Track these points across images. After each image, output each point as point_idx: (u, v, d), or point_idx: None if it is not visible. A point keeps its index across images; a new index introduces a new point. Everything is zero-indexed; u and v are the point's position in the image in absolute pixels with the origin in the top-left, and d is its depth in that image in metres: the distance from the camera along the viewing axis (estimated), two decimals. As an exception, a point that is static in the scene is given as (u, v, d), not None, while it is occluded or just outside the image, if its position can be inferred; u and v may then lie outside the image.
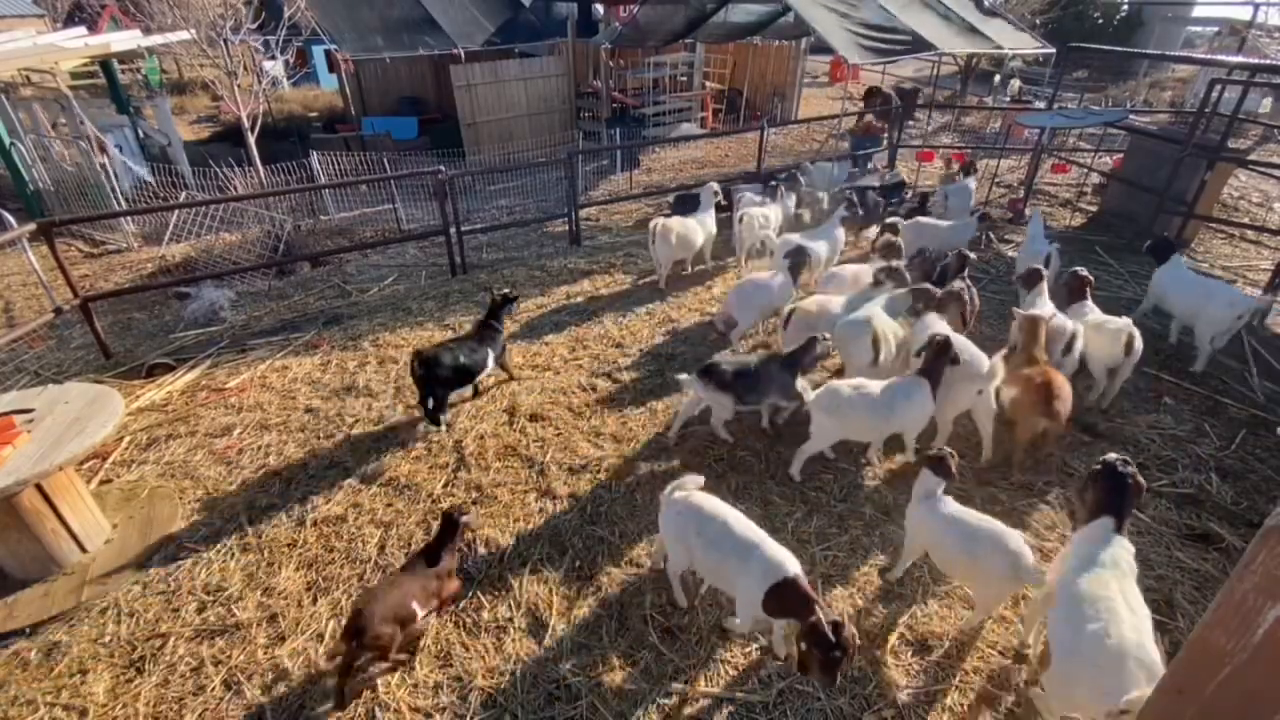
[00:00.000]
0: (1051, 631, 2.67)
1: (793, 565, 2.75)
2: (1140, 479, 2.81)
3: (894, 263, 5.29)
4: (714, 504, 3.06)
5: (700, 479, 3.17)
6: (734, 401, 4.19)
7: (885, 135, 11.42)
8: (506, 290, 5.00)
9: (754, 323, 5.62)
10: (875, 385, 3.95)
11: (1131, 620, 2.44)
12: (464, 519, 3.18)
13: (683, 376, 4.24)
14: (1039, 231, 6.35)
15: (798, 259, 5.58)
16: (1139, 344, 4.48)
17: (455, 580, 3.22)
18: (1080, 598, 2.54)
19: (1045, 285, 5.05)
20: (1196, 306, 5.15)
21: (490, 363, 4.75)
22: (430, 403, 4.48)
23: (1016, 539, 2.92)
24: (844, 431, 4.00)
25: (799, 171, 9.26)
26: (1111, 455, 2.91)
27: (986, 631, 3.17)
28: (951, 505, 3.14)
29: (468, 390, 4.89)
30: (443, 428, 4.60)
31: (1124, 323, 4.51)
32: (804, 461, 4.12)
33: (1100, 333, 4.62)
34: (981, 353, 4.14)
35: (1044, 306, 4.86)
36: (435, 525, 3.25)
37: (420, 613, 2.96)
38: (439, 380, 4.41)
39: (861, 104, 14.60)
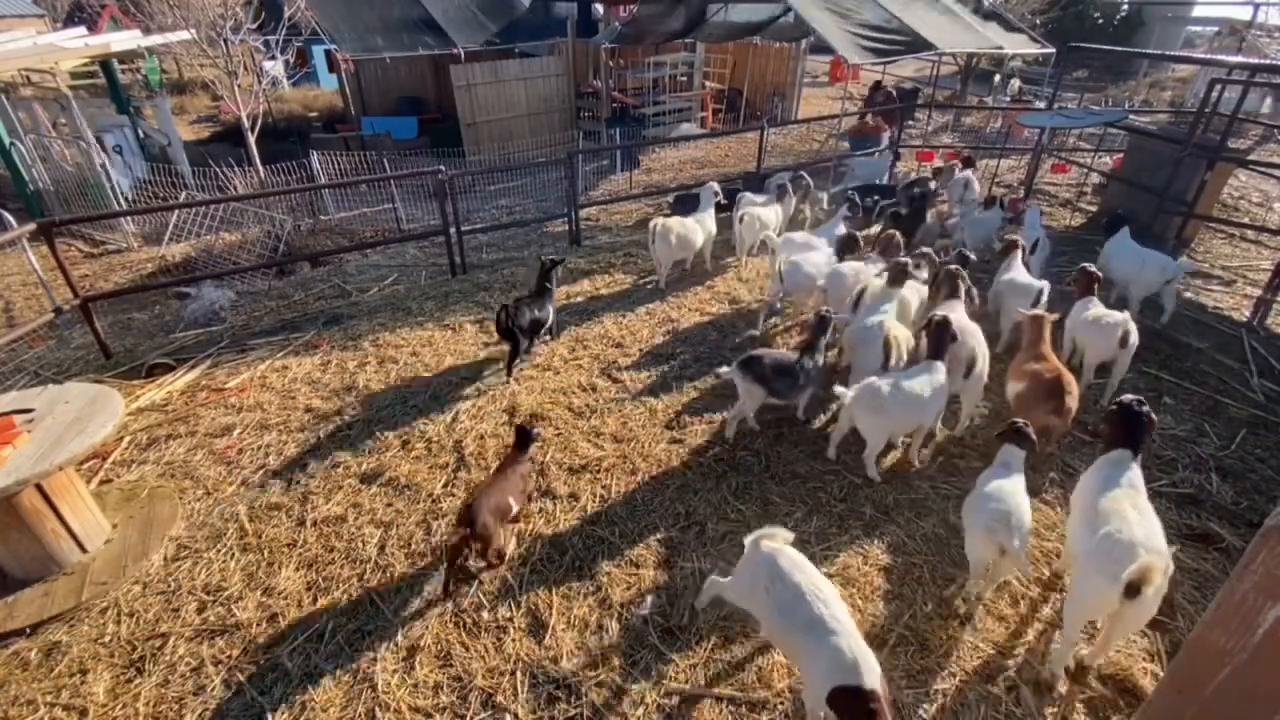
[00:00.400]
0: (1071, 540, 3.07)
1: (870, 674, 2.31)
2: (1153, 416, 3.18)
3: (924, 249, 5.77)
4: (798, 567, 2.68)
5: (790, 535, 2.87)
6: (766, 394, 4.26)
7: (885, 135, 11.37)
8: (553, 255, 5.74)
9: (802, 298, 5.89)
10: (906, 376, 3.99)
11: (1141, 521, 2.81)
12: (535, 431, 3.82)
13: (722, 370, 4.39)
14: (1035, 223, 6.60)
15: (848, 243, 5.83)
16: (1134, 338, 4.54)
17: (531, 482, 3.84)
18: (1097, 511, 2.92)
19: (1019, 255, 5.58)
20: (1134, 271, 5.79)
21: (550, 315, 5.58)
22: (516, 351, 5.25)
23: (1016, 510, 3.01)
24: (891, 428, 4.04)
25: (845, 169, 9.40)
26: (1128, 396, 3.24)
27: (988, 632, 3.17)
28: (1001, 478, 3.20)
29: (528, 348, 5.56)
30: (523, 362, 5.42)
31: (1122, 317, 4.58)
32: (873, 463, 4.15)
33: (1098, 326, 4.69)
34: (977, 328, 4.42)
35: (1017, 272, 5.45)
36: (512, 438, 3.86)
37: (515, 507, 3.53)
38: (522, 329, 5.19)
39: (863, 102, 14.54)
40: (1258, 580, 1.44)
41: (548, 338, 5.76)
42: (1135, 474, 3.07)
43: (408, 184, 10.49)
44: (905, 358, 4.59)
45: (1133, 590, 2.50)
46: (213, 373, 5.47)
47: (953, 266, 4.97)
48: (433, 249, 8.32)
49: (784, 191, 7.51)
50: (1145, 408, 3.17)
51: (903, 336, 4.58)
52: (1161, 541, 2.74)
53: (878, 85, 14.62)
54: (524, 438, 3.78)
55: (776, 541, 2.82)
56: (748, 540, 2.88)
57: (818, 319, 4.51)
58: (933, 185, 8.24)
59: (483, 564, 3.47)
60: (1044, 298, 5.10)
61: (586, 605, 3.32)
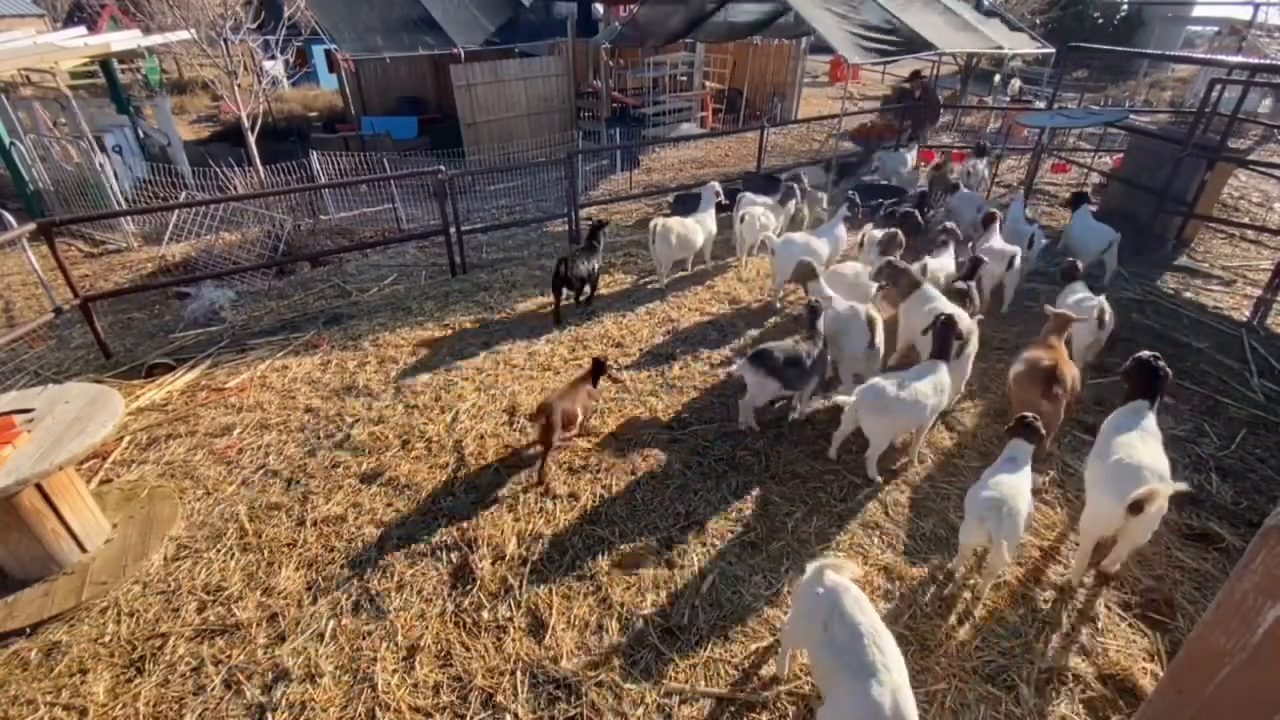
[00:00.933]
0: (1088, 474, 3.42)
1: None
2: (1168, 370, 3.51)
3: (949, 224, 6.39)
4: (861, 607, 2.52)
5: (858, 570, 2.74)
6: (780, 386, 4.30)
7: (895, 137, 11.23)
8: (601, 218, 6.93)
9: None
10: (913, 377, 3.99)
11: (1149, 453, 3.21)
12: (608, 364, 4.52)
13: (734, 368, 4.47)
14: (1019, 214, 6.95)
15: (890, 243, 6.01)
16: (1110, 318, 4.92)
17: (594, 404, 4.61)
18: (1111, 446, 3.29)
19: (998, 225, 6.29)
20: (1083, 240, 6.75)
21: (597, 268, 6.47)
22: (567, 297, 6.29)
23: (1009, 500, 3.05)
24: (895, 428, 4.05)
25: (875, 159, 9.87)
26: (1145, 352, 3.57)
27: (988, 633, 3.17)
28: (1005, 471, 3.25)
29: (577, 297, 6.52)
30: (584, 304, 6.51)
31: (1097, 300, 4.93)
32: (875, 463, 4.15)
33: (1077, 308, 4.93)
34: (962, 311, 4.62)
35: (994, 240, 6.13)
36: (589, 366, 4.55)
37: (580, 416, 4.25)
38: (575, 279, 6.10)
39: (904, 85, 13.96)
40: (1258, 580, 1.44)
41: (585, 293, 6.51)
42: (1150, 422, 3.39)
43: (408, 184, 10.48)
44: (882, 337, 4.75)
45: (1136, 508, 2.91)
46: (213, 373, 5.47)
47: (896, 260, 5.28)
48: (433, 249, 8.31)
49: (790, 194, 7.50)
50: (1160, 362, 3.49)
51: (878, 318, 4.74)
52: (1166, 470, 3.13)
53: (916, 75, 13.78)
54: (598, 368, 4.48)
55: (843, 575, 2.64)
56: (810, 566, 2.71)
57: (809, 309, 4.57)
58: (953, 177, 8.53)
59: (547, 449, 4.14)
60: (1017, 261, 5.89)
61: (586, 605, 3.32)
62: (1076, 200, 7.23)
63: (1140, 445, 3.25)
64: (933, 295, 4.88)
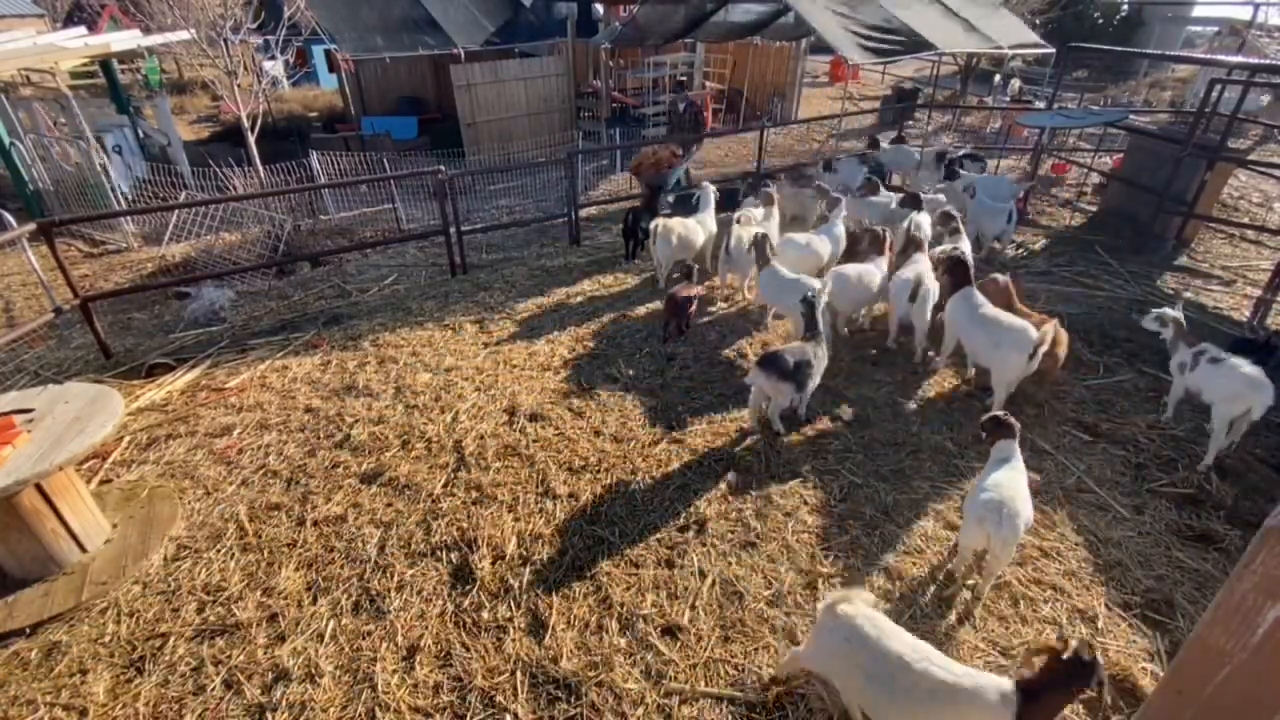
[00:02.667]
0: (979, 348, 4.66)
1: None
2: (962, 259, 4.90)
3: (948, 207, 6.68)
4: (885, 633, 2.42)
5: (871, 596, 2.63)
6: (795, 389, 4.30)
7: (678, 163, 9.32)
8: (657, 182, 8.04)
9: (852, 313, 5.90)
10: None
11: (1011, 315, 4.53)
12: (697, 268, 6.30)
13: (748, 379, 4.46)
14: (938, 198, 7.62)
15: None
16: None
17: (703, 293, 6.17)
18: (987, 319, 4.54)
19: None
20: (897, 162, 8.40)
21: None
22: (637, 245, 7.57)
23: (1008, 501, 3.05)
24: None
25: (886, 155, 10.02)
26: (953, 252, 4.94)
27: (988, 632, 3.17)
28: (997, 471, 3.27)
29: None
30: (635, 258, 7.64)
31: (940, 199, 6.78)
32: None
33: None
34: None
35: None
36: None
37: (694, 302, 5.79)
38: (639, 229, 7.30)
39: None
40: (1258, 580, 1.44)
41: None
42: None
43: (408, 184, 10.49)
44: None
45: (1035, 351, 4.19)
46: (213, 373, 5.47)
47: (915, 232, 5.73)
48: (433, 249, 8.32)
49: (769, 201, 7.44)
50: (956, 252, 4.99)
51: (745, 234, 5.99)
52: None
53: (681, 85, 11.61)
54: (702, 274, 6.27)
55: (855, 606, 2.53)
56: (821, 605, 2.63)
57: (805, 305, 4.58)
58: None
59: (676, 331, 5.75)
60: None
61: (586, 605, 3.32)
62: (950, 170, 8.10)
63: (1004, 315, 4.43)
64: (920, 259, 5.30)
